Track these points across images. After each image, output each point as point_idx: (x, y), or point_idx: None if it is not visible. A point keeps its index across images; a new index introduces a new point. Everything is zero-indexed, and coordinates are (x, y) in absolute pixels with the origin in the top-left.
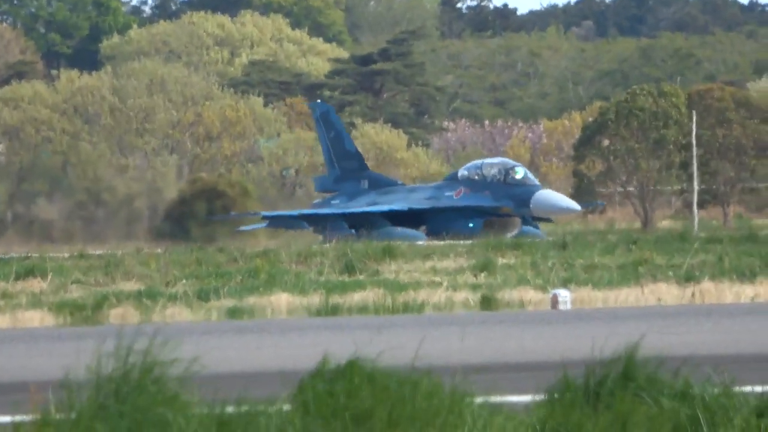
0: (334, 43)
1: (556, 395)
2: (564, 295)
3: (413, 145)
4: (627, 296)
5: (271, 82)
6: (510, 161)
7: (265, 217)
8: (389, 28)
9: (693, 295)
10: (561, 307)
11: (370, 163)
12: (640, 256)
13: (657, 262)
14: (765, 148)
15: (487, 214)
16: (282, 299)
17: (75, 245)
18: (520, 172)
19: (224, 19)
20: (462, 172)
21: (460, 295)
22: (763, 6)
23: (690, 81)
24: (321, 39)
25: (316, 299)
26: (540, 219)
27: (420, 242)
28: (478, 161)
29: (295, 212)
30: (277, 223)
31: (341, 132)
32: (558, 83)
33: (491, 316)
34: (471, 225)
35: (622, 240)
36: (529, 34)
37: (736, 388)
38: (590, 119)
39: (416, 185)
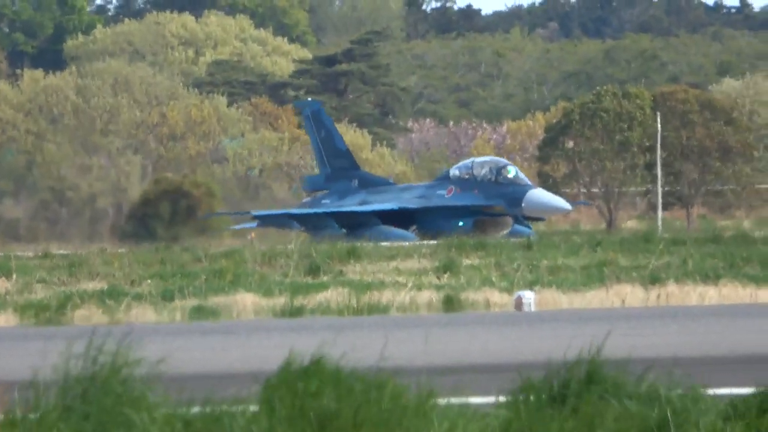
0: (298, 44)
1: (520, 397)
2: (528, 296)
3: (378, 145)
4: (592, 298)
5: (236, 82)
6: (501, 160)
7: (255, 217)
8: (354, 28)
9: (658, 296)
10: (525, 308)
11: None
12: (604, 257)
13: (621, 263)
14: (729, 150)
15: (478, 213)
16: (247, 300)
17: (39, 245)
18: (511, 171)
19: (189, 18)
20: (453, 171)
21: (424, 296)
22: (728, 8)
23: (654, 83)
24: (285, 39)
25: (281, 300)
26: (532, 218)
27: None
28: (469, 160)
29: (286, 211)
30: (268, 222)
31: (332, 130)
32: (522, 84)
33: (456, 318)
34: (462, 224)
35: (586, 241)
36: (493, 35)
37: (702, 391)
38: (554, 120)
39: (407, 184)
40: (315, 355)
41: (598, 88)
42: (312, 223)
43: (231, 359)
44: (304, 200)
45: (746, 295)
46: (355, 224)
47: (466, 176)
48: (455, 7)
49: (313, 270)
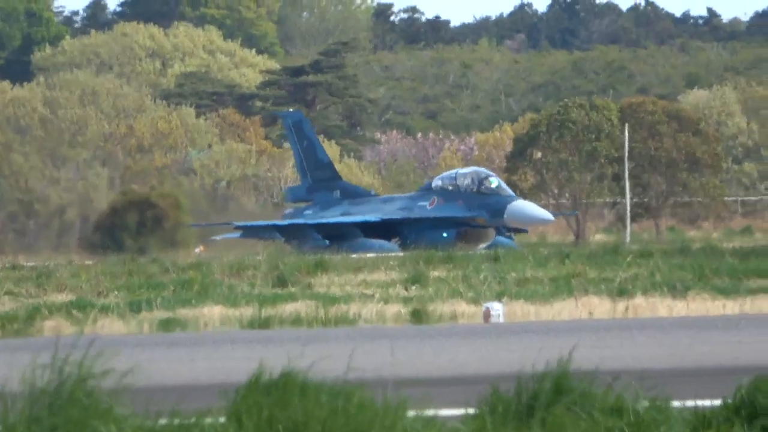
0: (266, 55)
1: (488, 409)
2: (496, 308)
3: (346, 156)
4: (560, 310)
5: (203, 94)
6: (484, 171)
7: (238, 228)
8: (321, 39)
9: (626, 308)
10: (493, 320)
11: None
12: (572, 269)
13: (590, 275)
14: (697, 162)
15: (461, 224)
16: (215, 311)
17: (7, 256)
18: (494, 182)
19: (156, 30)
20: (436, 182)
21: (392, 308)
22: (696, 19)
23: (622, 94)
24: (253, 51)
25: (248, 312)
26: (514, 229)
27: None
28: (452, 171)
29: (268, 222)
30: (250, 233)
31: (314, 141)
32: (490, 95)
33: (424, 330)
34: (445, 235)
35: (554, 253)
36: (461, 46)
37: (669, 402)
38: (522, 131)
39: (389, 195)
40: (283, 367)
41: (565, 99)
42: (294, 234)
43: (198, 371)
44: (286, 211)
45: (714, 307)
46: (337, 235)
47: (449, 187)
48: (423, 19)
49: (281, 281)
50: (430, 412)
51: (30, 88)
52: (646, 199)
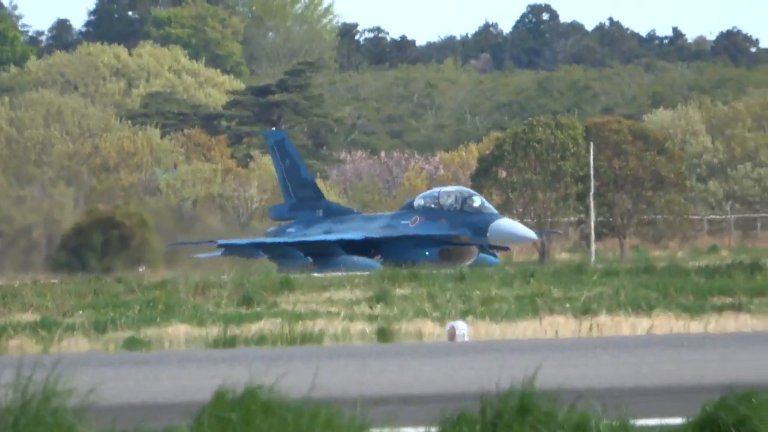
0: (231, 75)
1: (452, 428)
2: (461, 327)
3: None
4: (525, 329)
5: (169, 114)
6: (467, 190)
7: (221, 246)
8: (287, 59)
9: (591, 328)
10: (458, 339)
11: (266, 195)
12: (537, 288)
13: (554, 294)
14: (661, 180)
15: (443, 242)
16: (180, 330)
17: None
18: (477, 201)
19: (122, 50)
20: (418, 200)
21: (357, 326)
22: (661, 39)
23: (587, 113)
24: (218, 70)
25: (213, 330)
26: (497, 248)
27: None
28: (435, 190)
29: (251, 240)
30: (233, 251)
31: (296, 160)
32: (455, 115)
33: (389, 348)
34: (427, 254)
35: (519, 272)
36: (426, 66)
37: (633, 421)
38: (487, 151)
39: (372, 214)
40: (248, 385)
41: (530, 118)
42: (277, 252)
43: (163, 389)
44: (269, 230)
45: (679, 325)
46: (320, 253)
47: (432, 205)
48: (388, 38)
49: (246, 300)
50: (394, 431)
51: None
52: (611, 218)
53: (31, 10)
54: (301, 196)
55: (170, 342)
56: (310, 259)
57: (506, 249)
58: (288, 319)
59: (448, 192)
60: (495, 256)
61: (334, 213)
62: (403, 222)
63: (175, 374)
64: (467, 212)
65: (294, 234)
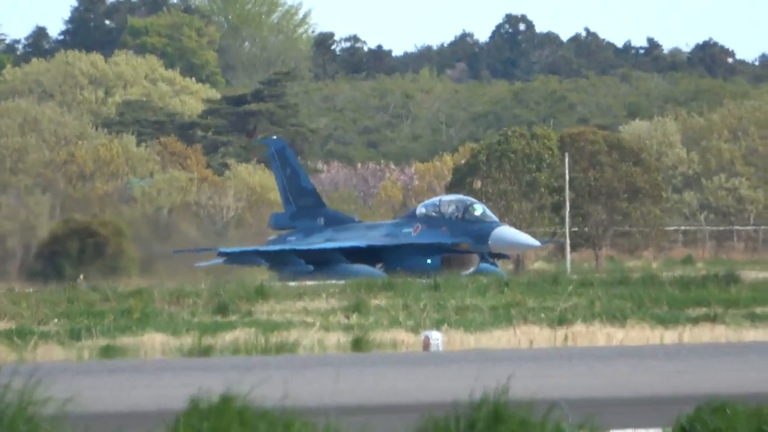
0: (207, 84)
1: None
2: (436, 336)
3: None
4: (499, 338)
5: (145, 122)
6: (468, 198)
7: (221, 254)
8: (263, 69)
9: (565, 338)
10: (433, 348)
11: (241, 204)
12: (512, 298)
13: (529, 304)
14: (637, 191)
15: (445, 250)
16: (155, 339)
17: None
18: (478, 209)
19: (98, 58)
20: (420, 209)
21: (332, 336)
22: (637, 49)
23: (563, 124)
24: (194, 79)
25: (189, 339)
26: (497, 256)
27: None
28: (436, 198)
29: (252, 248)
30: (234, 259)
31: (297, 169)
32: (431, 125)
33: (364, 358)
34: (429, 261)
35: (494, 282)
36: (402, 76)
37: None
38: (462, 161)
39: (374, 222)
40: (222, 394)
41: (506, 128)
42: (278, 260)
43: (138, 398)
44: (270, 238)
45: (653, 336)
46: (321, 261)
47: (433, 214)
48: (365, 48)
49: (222, 309)
50: None
51: None
52: (586, 229)
53: (8, 18)
54: (302, 205)
55: (146, 351)
56: (311, 267)
57: (506, 257)
58: (263, 330)
59: (450, 200)
60: (495, 265)
61: (335, 221)
62: (404, 230)
63: (150, 383)
64: (469, 220)
65: (294, 242)
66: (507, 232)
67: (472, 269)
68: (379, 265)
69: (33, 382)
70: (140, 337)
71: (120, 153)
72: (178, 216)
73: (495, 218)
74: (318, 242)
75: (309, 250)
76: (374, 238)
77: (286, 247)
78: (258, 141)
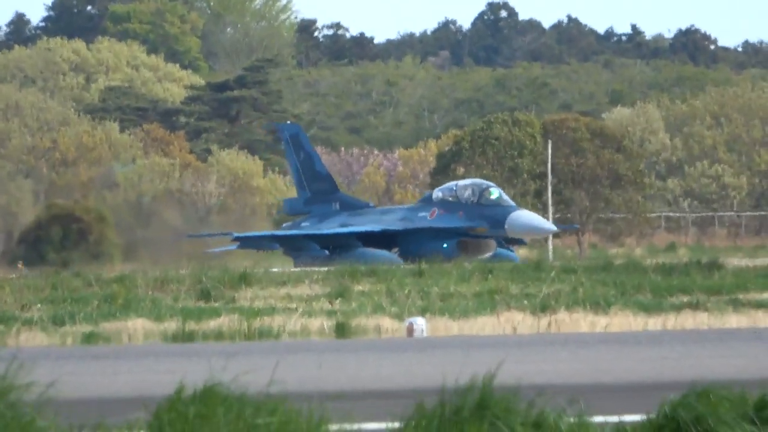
0: (190, 70)
1: (412, 423)
2: (420, 323)
3: (270, 172)
4: (483, 325)
5: (127, 108)
6: (484, 182)
7: (236, 238)
8: (246, 55)
9: (549, 324)
10: (417, 335)
11: (224, 190)
12: (495, 285)
13: (512, 291)
14: (619, 178)
15: (461, 235)
16: (138, 325)
17: None
18: (494, 193)
19: (80, 44)
20: (436, 193)
21: (316, 322)
22: (619, 36)
23: (545, 110)
24: (177, 65)
25: (172, 325)
26: (513, 241)
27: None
28: (452, 183)
29: (267, 233)
30: (249, 244)
31: (311, 153)
32: (414, 112)
33: (347, 344)
34: (445, 246)
35: (477, 268)
36: (385, 63)
37: (591, 418)
38: (445, 148)
39: (389, 207)
40: (206, 381)
41: (488, 115)
42: (293, 245)
43: (121, 384)
44: (285, 224)
45: (637, 323)
46: (336, 246)
47: (449, 198)
48: (348, 35)
49: (205, 295)
50: (353, 426)
51: None
52: (569, 215)
53: None
54: (316, 190)
55: (129, 336)
56: (327, 252)
57: (523, 243)
58: (246, 316)
59: (466, 184)
60: (511, 250)
61: (350, 206)
62: (420, 214)
63: (133, 368)
64: (485, 204)
65: (309, 228)
66: (524, 216)
67: (489, 254)
68: (394, 250)
69: (16, 367)
70: (124, 322)
71: (103, 139)
72: (161, 202)
73: (512, 202)
74: (333, 227)
75: (324, 235)
76: (390, 222)
77: (302, 231)
78: (271, 126)
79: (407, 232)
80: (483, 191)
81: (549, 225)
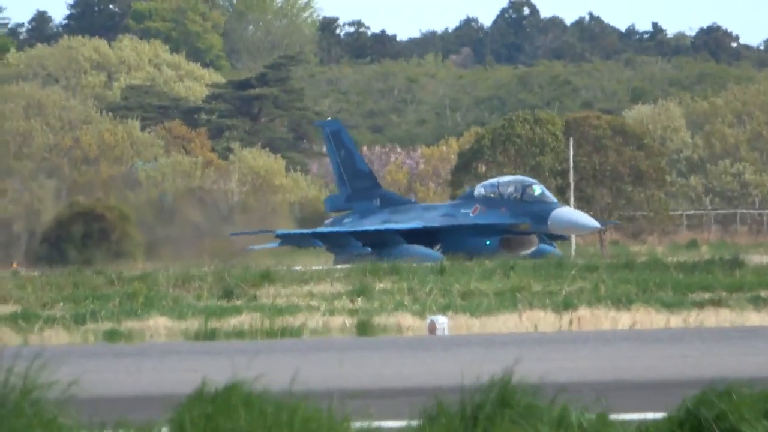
0: (211, 68)
1: (433, 421)
2: (441, 321)
3: (291, 170)
4: (504, 323)
5: (149, 107)
6: (527, 179)
7: (279, 236)
8: (267, 53)
9: (570, 322)
10: (438, 333)
11: (246, 188)
12: (517, 282)
13: (534, 288)
14: (641, 176)
15: (504, 231)
16: (160, 323)
17: None
18: (537, 190)
19: (102, 43)
20: (478, 189)
21: (337, 320)
22: (641, 34)
23: (567, 108)
24: (199, 64)
25: (194, 323)
26: (555, 237)
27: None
28: (494, 179)
29: (309, 230)
30: (291, 241)
31: (352, 150)
32: (435, 109)
33: (369, 342)
34: (488, 243)
35: (499, 266)
36: (407, 60)
37: (613, 415)
38: (467, 146)
39: (430, 203)
40: (228, 379)
41: (510, 113)
42: (335, 242)
43: (144, 382)
44: (327, 221)
45: (659, 320)
46: (378, 243)
47: (491, 195)
48: (369, 33)
49: (227, 293)
50: (374, 424)
51: None
52: (590, 213)
53: (11, 3)
54: (357, 187)
55: (151, 334)
56: (369, 249)
57: (565, 239)
58: (268, 314)
59: (508, 181)
60: (553, 246)
61: (392, 202)
62: (463, 211)
63: (156, 367)
64: (527, 201)
65: (350, 224)
66: (567, 212)
67: (531, 250)
68: (437, 247)
69: (37, 365)
70: (145, 321)
71: (125, 137)
72: (183, 200)
73: (554, 199)
74: (375, 224)
75: (366, 232)
76: (432, 219)
77: (345, 228)
78: (313, 123)
79: (450, 229)
80: (526, 188)
81: (592, 222)
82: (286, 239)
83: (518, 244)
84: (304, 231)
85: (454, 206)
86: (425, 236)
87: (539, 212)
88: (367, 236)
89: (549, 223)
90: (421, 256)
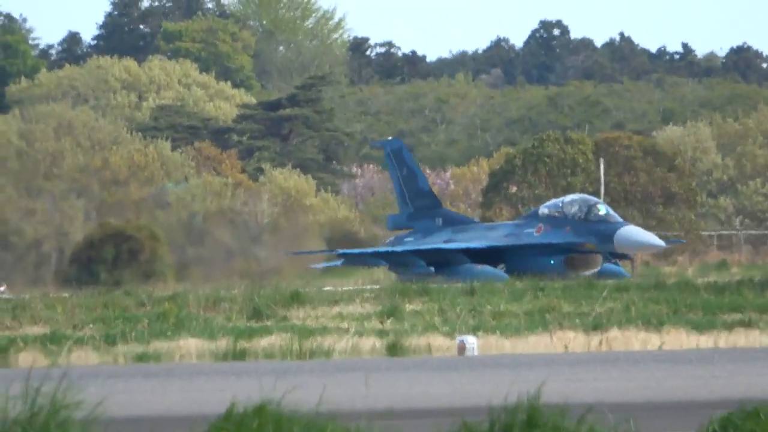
0: (242, 88)
1: None
2: (471, 341)
3: (322, 191)
4: (534, 343)
5: (179, 127)
6: (591, 198)
7: (341, 255)
8: (298, 73)
9: (600, 343)
10: (468, 353)
11: (277, 210)
12: (547, 303)
13: (564, 309)
14: (672, 196)
15: (569, 251)
16: (190, 344)
17: None
18: (602, 209)
19: (132, 63)
20: (542, 209)
21: (367, 342)
22: (671, 54)
23: (598, 129)
24: (229, 84)
25: (223, 344)
26: (618, 256)
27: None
28: (558, 199)
29: (371, 250)
30: (353, 260)
31: (414, 169)
32: (466, 130)
33: (398, 362)
34: (552, 262)
35: (529, 287)
36: (437, 80)
37: None
38: (497, 166)
39: (493, 223)
40: (257, 400)
41: (541, 133)
42: (398, 261)
43: (172, 402)
44: (388, 240)
45: (689, 341)
46: (441, 262)
47: (555, 214)
48: (399, 53)
49: (257, 314)
50: None
51: (5, 120)
52: None
53: (42, 23)
54: (419, 206)
55: (180, 356)
56: (432, 269)
57: (629, 258)
58: (298, 335)
59: (573, 200)
60: (617, 265)
61: (454, 222)
62: (527, 230)
63: (184, 387)
64: (592, 220)
65: (412, 243)
66: (633, 231)
67: (596, 269)
68: (501, 266)
69: (66, 385)
70: (175, 342)
71: (155, 158)
72: (213, 221)
73: (619, 218)
74: (437, 243)
75: (429, 251)
76: (495, 238)
77: (407, 247)
78: (374, 143)
79: (514, 248)
80: (591, 207)
81: (657, 240)
82: (348, 259)
83: (583, 264)
84: (366, 250)
85: (518, 225)
86: (489, 256)
87: (604, 231)
88: (430, 255)
89: (615, 242)
90: (486, 275)
